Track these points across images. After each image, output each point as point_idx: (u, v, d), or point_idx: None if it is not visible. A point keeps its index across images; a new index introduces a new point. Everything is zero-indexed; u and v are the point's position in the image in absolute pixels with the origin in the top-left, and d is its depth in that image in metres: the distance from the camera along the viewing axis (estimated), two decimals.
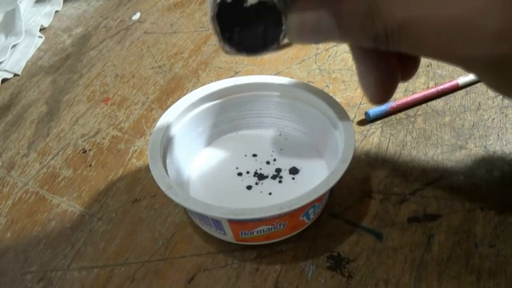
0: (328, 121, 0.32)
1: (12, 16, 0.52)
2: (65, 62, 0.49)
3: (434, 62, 0.43)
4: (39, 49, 0.51)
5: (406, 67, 0.27)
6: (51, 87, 0.46)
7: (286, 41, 0.23)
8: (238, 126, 0.36)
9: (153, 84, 0.44)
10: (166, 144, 0.31)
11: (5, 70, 0.48)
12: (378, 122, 0.38)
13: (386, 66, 0.26)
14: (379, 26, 0.20)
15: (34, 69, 0.48)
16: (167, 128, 0.31)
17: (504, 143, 0.35)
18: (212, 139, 0.35)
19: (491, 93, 0.39)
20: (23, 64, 0.49)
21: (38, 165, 0.37)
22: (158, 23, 0.53)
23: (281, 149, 0.35)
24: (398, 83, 0.27)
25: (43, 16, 0.55)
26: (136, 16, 0.55)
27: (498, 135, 0.36)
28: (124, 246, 0.31)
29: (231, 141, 0.36)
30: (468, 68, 0.21)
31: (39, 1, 0.56)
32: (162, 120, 0.31)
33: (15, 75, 0.48)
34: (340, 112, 0.30)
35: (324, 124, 0.32)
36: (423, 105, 0.39)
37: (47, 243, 0.32)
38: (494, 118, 0.37)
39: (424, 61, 0.43)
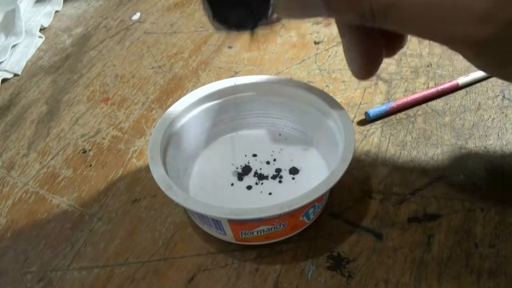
0: (328, 121, 0.32)
1: (12, 16, 0.52)
2: (65, 62, 0.49)
3: (434, 62, 0.43)
4: (39, 49, 0.51)
5: (392, 43, 0.27)
6: (51, 87, 0.46)
7: (275, 16, 0.23)
8: (238, 126, 0.36)
9: (153, 84, 0.44)
10: (166, 144, 0.31)
11: (5, 70, 0.48)
12: (378, 122, 0.38)
13: (371, 41, 0.26)
14: (365, 4, 0.21)
15: (34, 69, 0.48)
16: (167, 128, 0.31)
17: (504, 143, 0.35)
18: (212, 139, 0.35)
19: (491, 93, 0.39)
20: (23, 64, 0.49)
21: (38, 165, 0.37)
22: (158, 23, 0.53)
23: (281, 149, 0.35)
24: (382, 59, 0.27)
25: (43, 16, 0.55)
26: (136, 16, 0.55)
27: (498, 135, 0.36)
28: (124, 246, 0.31)
29: (231, 141, 0.36)
30: (453, 47, 0.22)
31: (39, 1, 0.56)
32: (162, 120, 0.31)
33: (15, 75, 0.48)
34: (340, 112, 0.30)
35: (324, 124, 0.32)
36: (423, 105, 0.39)
37: (47, 243, 0.32)
38: (494, 118, 0.37)
39: (424, 61, 0.43)
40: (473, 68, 0.41)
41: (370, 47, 0.26)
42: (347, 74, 0.43)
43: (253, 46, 0.47)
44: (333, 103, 0.31)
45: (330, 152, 0.32)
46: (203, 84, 0.34)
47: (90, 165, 0.37)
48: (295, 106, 0.34)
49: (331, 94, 0.32)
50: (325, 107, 0.32)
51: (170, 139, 0.32)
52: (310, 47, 0.47)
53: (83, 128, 0.40)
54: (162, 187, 0.27)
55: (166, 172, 0.29)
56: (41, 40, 0.52)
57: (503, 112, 0.37)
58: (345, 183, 0.33)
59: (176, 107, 0.32)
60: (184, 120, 0.33)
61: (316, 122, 0.33)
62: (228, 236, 0.29)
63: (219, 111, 0.35)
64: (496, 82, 0.40)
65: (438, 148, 0.35)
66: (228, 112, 0.35)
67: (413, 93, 0.39)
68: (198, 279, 0.29)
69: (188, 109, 0.33)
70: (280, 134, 0.36)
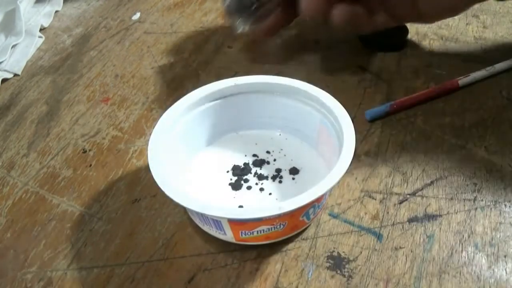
0: (328, 121, 0.32)
1: (12, 16, 0.52)
2: (65, 62, 0.49)
3: (434, 62, 0.43)
4: (39, 49, 0.51)
5: None
6: (51, 87, 0.46)
7: None
8: (238, 126, 0.36)
9: (153, 84, 0.44)
10: (166, 144, 0.31)
11: (5, 70, 0.48)
12: (378, 122, 0.38)
13: None
14: None
15: (34, 69, 0.48)
16: (167, 128, 0.31)
17: (504, 143, 0.35)
18: (212, 139, 0.36)
19: (491, 93, 0.39)
20: (23, 64, 0.49)
21: (38, 165, 0.37)
22: (158, 23, 0.53)
23: (281, 149, 0.35)
24: None
25: (43, 16, 0.55)
26: (136, 16, 0.55)
27: (498, 135, 0.36)
28: (124, 246, 0.31)
29: (231, 141, 0.36)
30: None
31: (39, 1, 0.56)
32: (162, 120, 0.31)
33: (15, 75, 0.48)
34: (340, 112, 0.30)
35: (324, 124, 0.32)
36: (423, 105, 0.39)
37: (47, 243, 0.32)
38: (494, 118, 0.37)
39: (424, 61, 0.43)
40: (474, 68, 0.41)
41: None
42: (347, 74, 0.43)
43: (253, 46, 0.47)
44: (333, 103, 0.31)
45: (330, 152, 0.32)
46: (203, 84, 0.34)
47: (90, 165, 0.37)
48: (295, 106, 0.34)
49: (331, 94, 0.32)
50: (325, 107, 0.32)
51: (170, 139, 0.32)
52: (310, 47, 0.47)
53: (83, 128, 0.40)
54: (162, 187, 0.27)
55: (166, 172, 0.29)
56: (41, 40, 0.52)
57: (503, 112, 0.37)
58: (345, 183, 0.33)
59: (176, 107, 0.32)
60: (184, 120, 0.33)
61: (316, 122, 0.33)
62: (228, 236, 0.29)
63: (219, 111, 0.35)
64: (496, 82, 0.40)
65: (438, 148, 0.35)
66: (228, 112, 0.35)
67: (413, 93, 0.39)
68: (198, 279, 0.29)
69: (188, 109, 0.33)
70: (280, 134, 0.36)
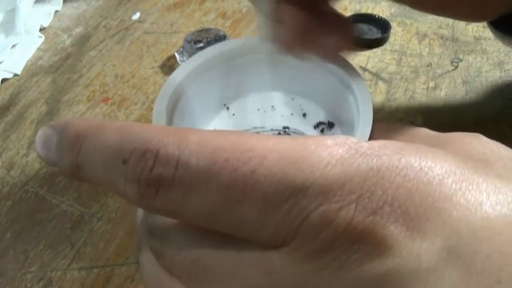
0: (352, 98, 0.27)
1: (12, 16, 0.52)
2: (65, 62, 0.49)
3: (434, 62, 0.43)
4: (39, 49, 0.51)
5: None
6: (51, 87, 0.46)
7: None
8: (245, 89, 0.30)
9: (153, 84, 0.44)
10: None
11: (5, 70, 0.48)
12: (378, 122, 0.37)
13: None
14: None
15: (34, 69, 0.48)
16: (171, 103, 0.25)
17: (504, 143, 0.35)
18: (219, 108, 0.30)
19: (491, 93, 0.39)
20: (23, 64, 0.49)
21: (38, 165, 0.37)
22: (158, 23, 0.53)
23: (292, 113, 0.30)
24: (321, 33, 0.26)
25: (43, 16, 0.55)
26: (136, 16, 0.55)
27: (498, 135, 0.35)
28: (124, 246, 0.31)
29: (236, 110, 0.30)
30: None
31: (39, 1, 0.56)
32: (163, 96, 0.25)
33: (15, 75, 0.48)
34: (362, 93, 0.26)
35: (347, 100, 0.27)
36: (423, 105, 0.39)
37: (47, 243, 0.32)
38: (494, 118, 0.37)
39: (424, 61, 0.43)
40: (480, 69, 0.41)
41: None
42: None
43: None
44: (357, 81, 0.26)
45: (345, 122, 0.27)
46: None
47: None
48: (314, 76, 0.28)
49: None
50: (347, 85, 0.26)
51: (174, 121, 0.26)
52: None
53: None
54: None
55: None
56: (41, 40, 0.52)
57: (503, 112, 0.37)
58: None
59: (174, 77, 0.26)
60: (186, 96, 0.27)
61: (337, 94, 0.27)
62: None
63: (227, 74, 0.29)
64: (496, 82, 0.40)
65: None
66: (235, 75, 0.29)
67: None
68: None
69: (194, 76, 0.27)
70: (293, 99, 0.30)
